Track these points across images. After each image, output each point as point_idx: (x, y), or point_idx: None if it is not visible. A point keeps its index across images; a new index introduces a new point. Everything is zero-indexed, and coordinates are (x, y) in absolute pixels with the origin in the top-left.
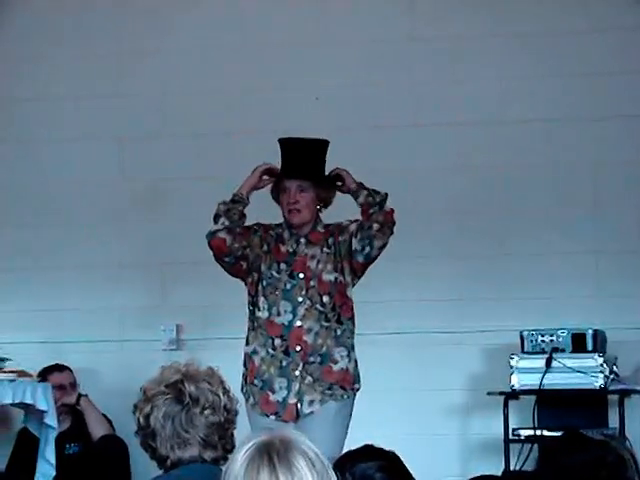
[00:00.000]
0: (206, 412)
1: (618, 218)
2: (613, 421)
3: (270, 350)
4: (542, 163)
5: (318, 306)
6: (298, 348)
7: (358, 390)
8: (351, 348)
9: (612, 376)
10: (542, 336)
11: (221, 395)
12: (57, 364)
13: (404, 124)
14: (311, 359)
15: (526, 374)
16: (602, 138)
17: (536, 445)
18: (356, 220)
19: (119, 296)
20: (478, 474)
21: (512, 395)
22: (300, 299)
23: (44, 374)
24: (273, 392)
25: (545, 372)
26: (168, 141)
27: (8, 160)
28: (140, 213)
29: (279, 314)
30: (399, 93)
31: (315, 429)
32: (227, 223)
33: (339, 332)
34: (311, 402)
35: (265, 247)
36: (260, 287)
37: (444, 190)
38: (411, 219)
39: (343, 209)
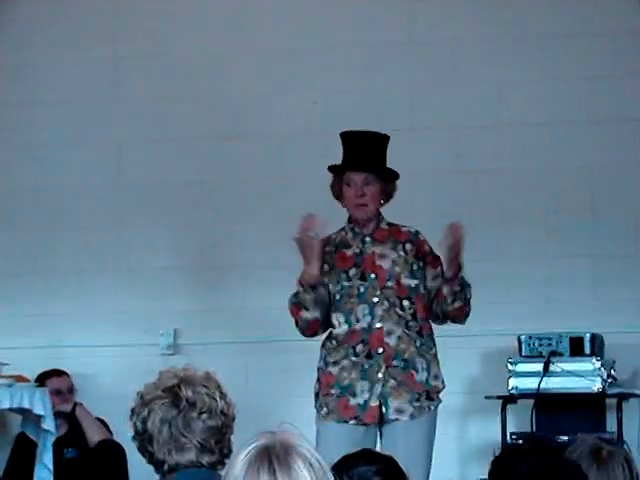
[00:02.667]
0: (203, 416)
1: (616, 222)
2: (611, 425)
3: (353, 358)
4: (539, 167)
5: (397, 309)
6: (380, 350)
7: (443, 389)
8: (432, 364)
9: (610, 380)
10: (540, 340)
11: (218, 399)
12: (55, 369)
13: (402, 128)
14: (394, 363)
15: (524, 378)
16: (600, 142)
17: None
18: (437, 260)
19: (117, 300)
20: (476, 478)
21: (510, 399)
22: (376, 299)
23: (42, 379)
24: (354, 396)
25: (543, 376)
26: (167, 145)
27: (7, 164)
28: (139, 218)
29: (358, 320)
30: (398, 97)
31: (406, 442)
32: (306, 315)
33: (419, 343)
34: (400, 411)
35: (325, 268)
36: (333, 304)
37: (442, 194)
38: (408, 222)
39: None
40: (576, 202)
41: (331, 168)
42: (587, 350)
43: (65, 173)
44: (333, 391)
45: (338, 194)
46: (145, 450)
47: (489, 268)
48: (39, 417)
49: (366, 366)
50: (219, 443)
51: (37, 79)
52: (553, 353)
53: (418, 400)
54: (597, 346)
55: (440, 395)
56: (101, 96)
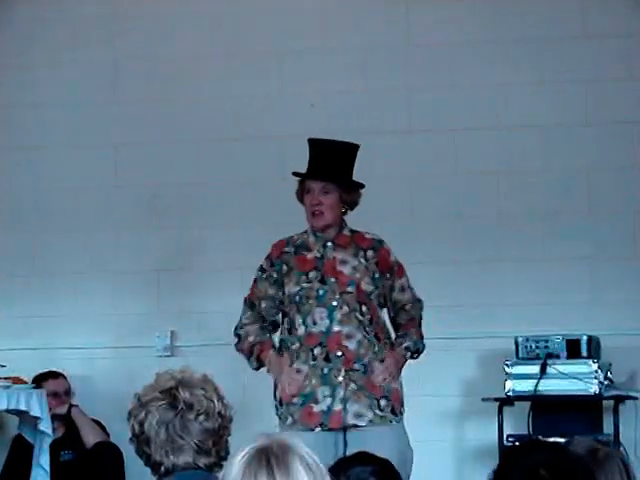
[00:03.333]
0: (200, 418)
1: (613, 224)
2: (608, 427)
3: (311, 362)
4: (538, 168)
5: (358, 314)
6: (339, 353)
7: (403, 414)
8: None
9: (607, 382)
10: (537, 342)
11: (215, 401)
12: (51, 371)
13: (400, 130)
14: (355, 366)
15: (521, 380)
16: (597, 144)
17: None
18: (399, 275)
19: (114, 302)
20: None
21: (507, 401)
22: (335, 303)
23: (38, 381)
24: (317, 403)
25: (540, 378)
26: (165, 148)
27: (4, 166)
28: (136, 220)
29: (315, 323)
30: (396, 99)
31: (373, 451)
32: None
33: (377, 348)
34: (358, 415)
35: (284, 269)
36: (293, 306)
37: (440, 195)
38: (406, 225)
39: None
40: (574, 204)
41: (295, 174)
42: (584, 352)
43: (63, 175)
44: (295, 400)
45: (301, 200)
46: (142, 452)
47: (487, 270)
48: (36, 419)
49: (325, 370)
50: (216, 445)
51: (36, 81)
52: (550, 355)
53: (379, 406)
54: (594, 348)
55: (403, 410)
56: (99, 98)
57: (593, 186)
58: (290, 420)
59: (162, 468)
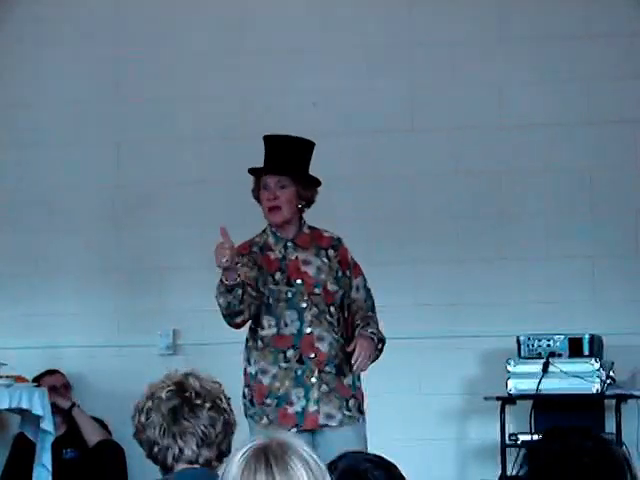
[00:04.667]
0: (207, 405)
1: (615, 223)
2: (610, 426)
3: (282, 364)
4: (540, 168)
5: (327, 316)
6: (312, 355)
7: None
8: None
9: (609, 381)
10: (539, 341)
11: (223, 399)
12: (47, 369)
13: (402, 129)
14: (327, 368)
15: (523, 379)
16: (600, 143)
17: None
18: (356, 274)
19: (116, 301)
20: (475, 479)
21: (509, 400)
22: (304, 305)
23: (37, 381)
24: (291, 405)
25: (542, 377)
26: (167, 146)
27: (6, 165)
28: (138, 217)
29: (286, 325)
30: (398, 98)
31: (340, 450)
32: (236, 312)
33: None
34: (329, 416)
35: (256, 268)
36: (264, 306)
37: (441, 194)
38: (408, 223)
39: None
40: (576, 203)
41: (250, 171)
42: (586, 351)
43: (65, 173)
44: (269, 401)
45: (257, 198)
46: (146, 439)
47: (488, 269)
48: (38, 417)
49: (299, 372)
50: (219, 437)
51: (37, 79)
52: (552, 354)
53: (347, 407)
54: (596, 347)
55: (365, 406)
56: (101, 96)
57: (595, 185)
58: (266, 420)
59: (168, 456)
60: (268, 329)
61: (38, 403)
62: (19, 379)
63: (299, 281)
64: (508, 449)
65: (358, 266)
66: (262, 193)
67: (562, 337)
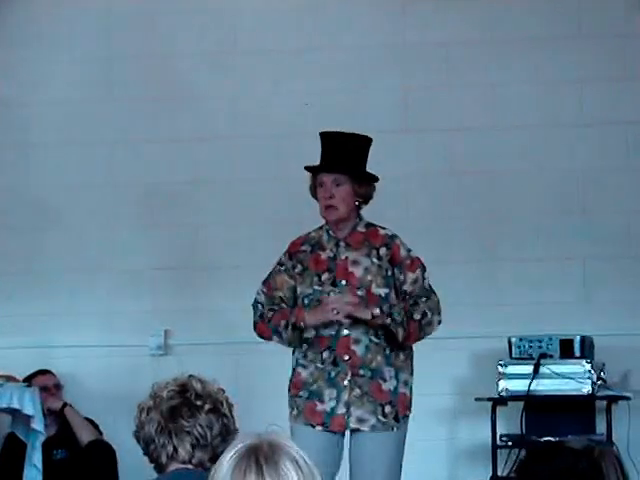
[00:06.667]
0: (207, 407)
1: (607, 224)
2: (601, 427)
3: (319, 365)
4: (531, 169)
5: None
6: (346, 357)
7: (408, 417)
8: (402, 371)
9: (600, 382)
10: (530, 342)
11: (224, 404)
12: (39, 370)
13: (395, 129)
14: (361, 372)
15: (514, 380)
16: (592, 144)
17: (524, 451)
18: (412, 269)
19: (108, 301)
20: None
21: (500, 401)
22: None
23: (28, 380)
24: (322, 402)
25: (533, 378)
26: (160, 146)
27: (0, 164)
28: (131, 218)
29: (326, 326)
30: (391, 98)
31: (372, 455)
32: (278, 341)
33: (388, 352)
34: (361, 420)
35: (298, 268)
36: (303, 308)
37: (433, 195)
38: (399, 224)
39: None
40: (567, 204)
41: (307, 168)
42: (577, 352)
43: (57, 173)
44: (302, 393)
45: (314, 195)
46: (144, 437)
47: (480, 270)
48: (29, 417)
49: (332, 374)
50: (215, 440)
51: (30, 78)
52: (543, 355)
53: (383, 413)
54: (587, 348)
55: (408, 412)
56: (95, 96)
57: (587, 186)
58: (295, 411)
59: (162, 455)
60: (307, 332)
61: (29, 403)
62: (10, 379)
63: (344, 282)
64: (499, 450)
65: (416, 261)
66: (318, 191)
67: (553, 338)
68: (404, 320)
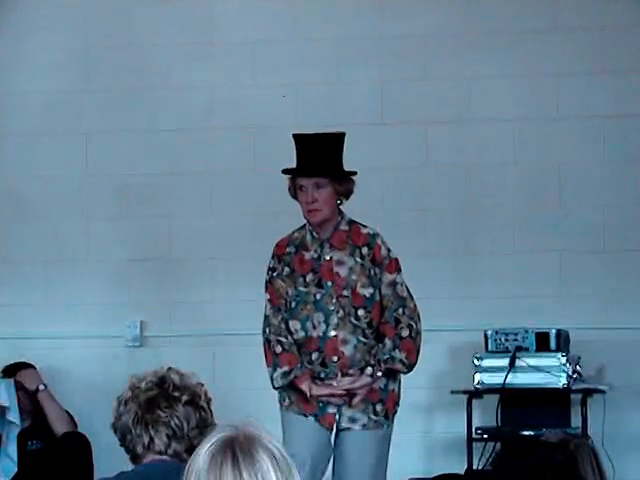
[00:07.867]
0: (184, 399)
1: (583, 218)
2: (576, 420)
3: (308, 366)
4: (508, 162)
5: (352, 319)
6: (335, 358)
7: (396, 412)
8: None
9: (575, 375)
10: (506, 335)
11: (202, 397)
12: (19, 362)
13: (372, 122)
14: (351, 372)
15: (490, 373)
16: (568, 138)
17: (499, 444)
18: (390, 270)
19: (83, 292)
20: (441, 472)
21: (476, 394)
22: (332, 307)
23: (4, 372)
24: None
25: (509, 371)
26: (136, 136)
27: None
28: (107, 209)
29: (314, 327)
30: (368, 91)
31: (359, 453)
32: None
33: (375, 351)
34: (353, 420)
35: (286, 271)
36: (288, 311)
37: (410, 188)
38: (376, 217)
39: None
40: (544, 198)
41: (285, 171)
42: (553, 346)
43: (33, 163)
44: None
45: (294, 196)
46: (121, 428)
47: (456, 263)
48: (3, 408)
49: (322, 375)
50: (192, 432)
51: (6, 68)
52: (519, 348)
53: (374, 411)
54: (563, 342)
55: (397, 408)
56: (70, 86)
57: (563, 180)
58: (287, 402)
59: (138, 445)
60: (295, 334)
61: (4, 394)
62: None
63: (329, 283)
64: (474, 443)
65: (393, 262)
66: (299, 195)
67: (529, 331)
68: (394, 352)
